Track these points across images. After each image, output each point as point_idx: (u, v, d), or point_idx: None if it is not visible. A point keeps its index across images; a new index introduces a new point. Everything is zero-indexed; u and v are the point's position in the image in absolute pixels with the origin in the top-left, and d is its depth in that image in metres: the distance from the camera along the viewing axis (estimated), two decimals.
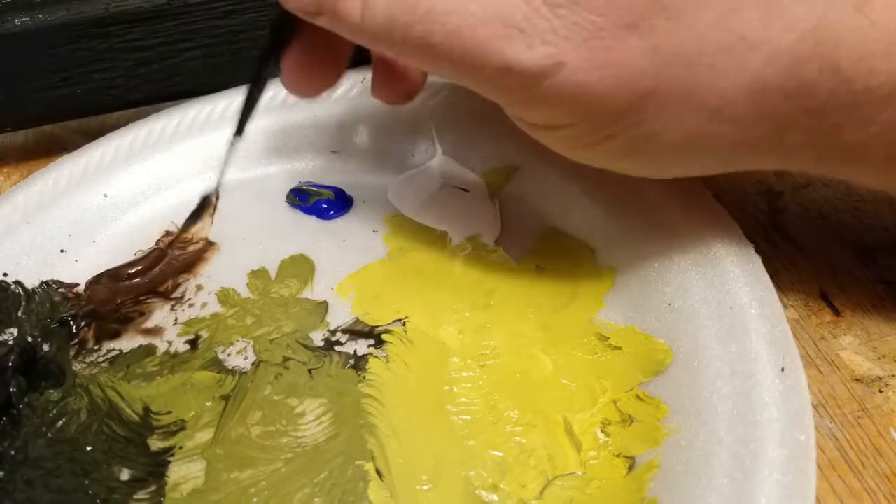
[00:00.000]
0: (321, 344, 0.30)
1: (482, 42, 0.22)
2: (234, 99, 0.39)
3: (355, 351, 0.30)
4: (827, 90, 0.23)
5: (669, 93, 0.23)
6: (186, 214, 0.35)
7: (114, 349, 0.31)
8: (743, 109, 0.23)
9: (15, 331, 0.31)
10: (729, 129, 0.24)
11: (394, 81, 0.32)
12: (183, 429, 0.28)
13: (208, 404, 0.29)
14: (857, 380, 0.28)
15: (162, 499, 0.26)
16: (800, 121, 0.24)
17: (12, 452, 0.28)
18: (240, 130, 0.32)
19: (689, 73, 0.23)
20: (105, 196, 0.36)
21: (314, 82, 0.30)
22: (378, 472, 0.26)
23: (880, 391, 0.27)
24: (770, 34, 0.22)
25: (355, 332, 0.31)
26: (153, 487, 0.27)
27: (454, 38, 0.23)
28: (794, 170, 0.27)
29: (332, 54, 0.29)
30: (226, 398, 0.29)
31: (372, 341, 0.30)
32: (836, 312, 0.30)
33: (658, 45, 0.22)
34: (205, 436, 0.28)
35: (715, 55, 0.22)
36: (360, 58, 0.40)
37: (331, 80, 0.30)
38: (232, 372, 0.30)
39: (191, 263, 0.34)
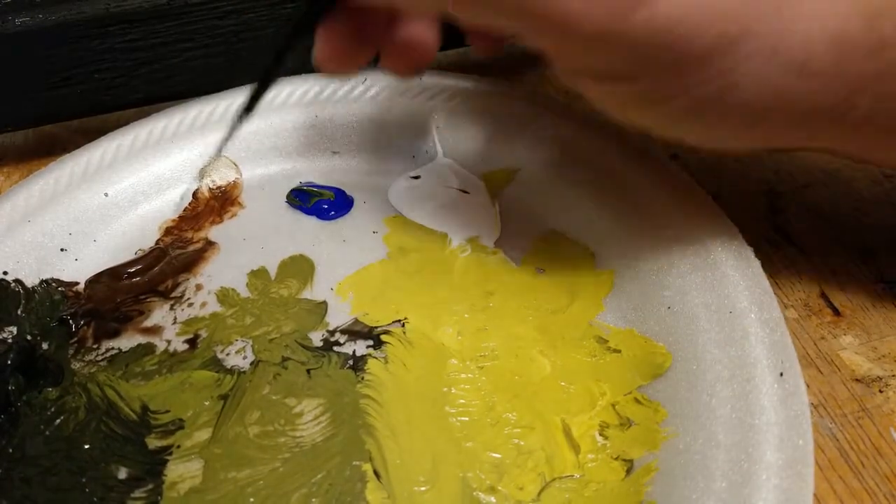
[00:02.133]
0: (320, 344, 0.30)
1: None
2: (234, 99, 0.39)
3: (354, 351, 0.30)
4: None
5: (758, 41, 0.22)
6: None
7: (113, 348, 0.31)
8: (825, 64, 0.23)
9: (14, 329, 0.32)
10: (809, 87, 0.23)
11: (405, 51, 0.30)
12: (181, 428, 0.28)
13: (206, 403, 0.29)
14: (857, 380, 0.28)
15: (159, 498, 0.26)
16: (872, 85, 0.23)
17: (10, 450, 0.28)
18: (250, 107, 0.31)
19: (778, 20, 0.22)
20: (105, 195, 0.36)
21: (346, 60, 0.28)
22: (376, 472, 0.26)
23: (880, 391, 0.27)
24: None
25: (354, 332, 0.31)
26: (150, 486, 0.27)
27: None
28: (849, 151, 0.26)
29: (367, 33, 0.28)
30: (224, 397, 0.29)
31: (371, 342, 0.30)
32: (837, 312, 0.30)
33: None
34: (203, 435, 0.28)
35: (801, 3, 0.22)
36: None
37: (363, 59, 0.28)
38: (230, 371, 0.30)
39: (190, 263, 0.34)
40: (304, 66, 0.39)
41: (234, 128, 0.33)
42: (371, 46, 0.28)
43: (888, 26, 0.22)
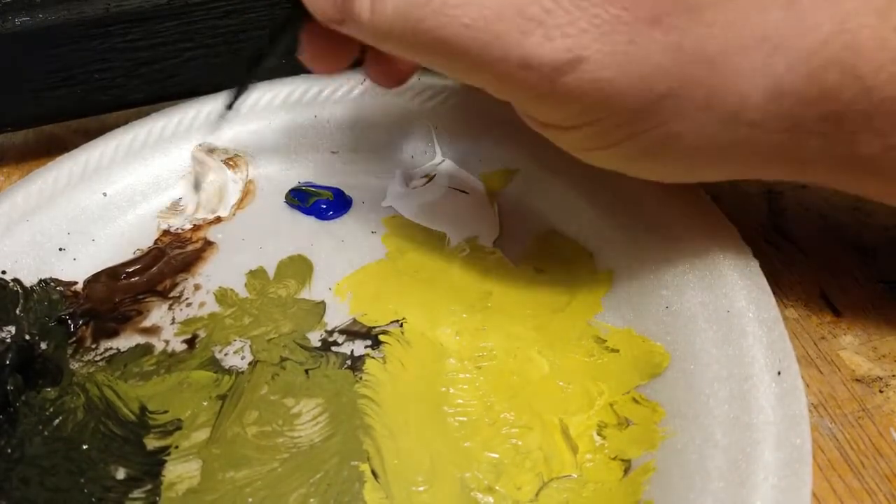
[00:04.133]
0: (318, 344, 0.30)
1: (499, 36, 0.22)
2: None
3: (352, 351, 0.30)
4: (847, 97, 0.22)
5: (690, 93, 0.22)
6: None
7: (111, 348, 0.31)
8: (763, 114, 0.23)
9: (13, 329, 0.32)
10: (748, 135, 0.23)
11: (386, 64, 0.31)
12: (179, 428, 0.28)
13: (205, 404, 0.29)
14: (857, 380, 0.28)
15: (157, 498, 0.26)
16: (818, 128, 0.23)
17: (9, 450, 0.28)
18: (230, 107, 0.32)
19: (711, 74, 0.22)
20: (104, 195, 0.36)
21: (331, 60, 0.29)
22: (374, 472, 0.26)
23: (880, 391, 0.27)
24: (792, 37, 0.22)
25: (352, 332, 0.31)
26: (149, 486, 0.27)
27: (469, 32, 0.22)
28: (809, 182, 0.27)
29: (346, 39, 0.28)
30: (222, 398, 0.29)
31: (369, 342, 0.30)
32: (837, 312, 0.30)
33: (681, 42, 0.22)
34: (201, 435, 0.28)
35: (737, 56, 0.22)
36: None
37: (347, 58, 0.29)
38: (229, 371, 0.30)
39: (189, 263, 0.34)
40: (303, 67, 0.39)
41: (214, 128, 0.34)
42: (354, 45, 0.29)
43: (831, 78, 0.22)
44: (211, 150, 0.38)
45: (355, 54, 0.29)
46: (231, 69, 0.41)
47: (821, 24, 0.22)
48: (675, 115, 0.23)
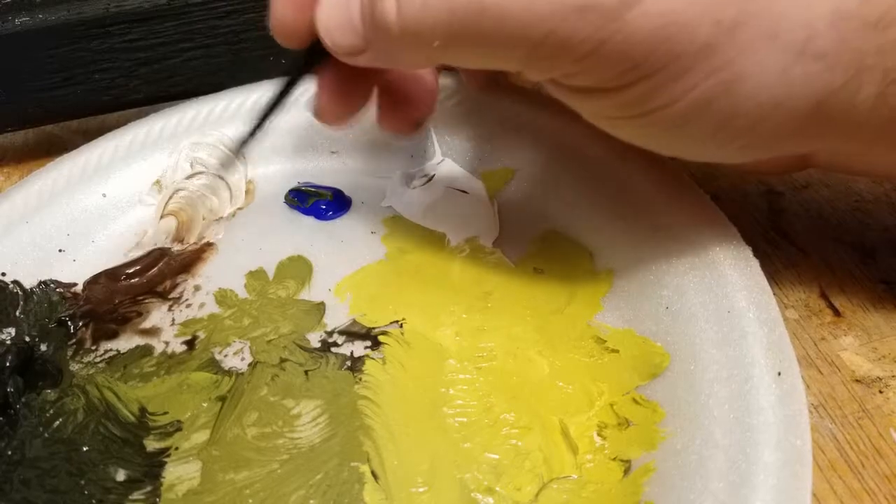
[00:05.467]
0: (318, 345, 0.30)
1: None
2: (233, 99, 0.39)
3: (352, 352, 0.30)
4: None
5: (755, 23, 0.21)
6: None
7: (111, 349, 0.31)
8: (828, 43, 0.22)
9: (13, 330, 0.32)
10: (815, 71, 0.22)
11: (402, 108, 0.31)
12: (179, 429, 0.28)
13: (205, 405, 0.29)
14: (857, 380, 0.28)
15: (157, 499, 0.26)
16: (878, 62, 0.22)
17: (9, 452, 0.28)
18: (240, 149, 0.33)
19: (775, 2, 0.21)
20: (104, 196, 0.36)
21: (343, 110, 0.29)
22: (373, 473, 0.26)
23: (880, 392, 0.27)
24: None
25: (352, 333, 0.31)
26: (149, 488, 0.27)
27: None
28: (856, 153, 0.26)
29: (361, 84, 0.29)
30: (222, 399, 0.29)
31: (369, 343, 0.30)
32: (837, 313, 0.30)
33: None
34: (201, 437, 0.28)
35: None
36: None
37: (357, 106, 0.29)
38: (228, 373, 0.30)
39: (189, 264, 0.34)
40: None
41: (233, 157, 0.34)
42: (367, 88, 0.29)
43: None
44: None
45: (367, 99, 0.30)
46: (231, 69, 0.41)
47: None
48: (744, 49, 0.21)
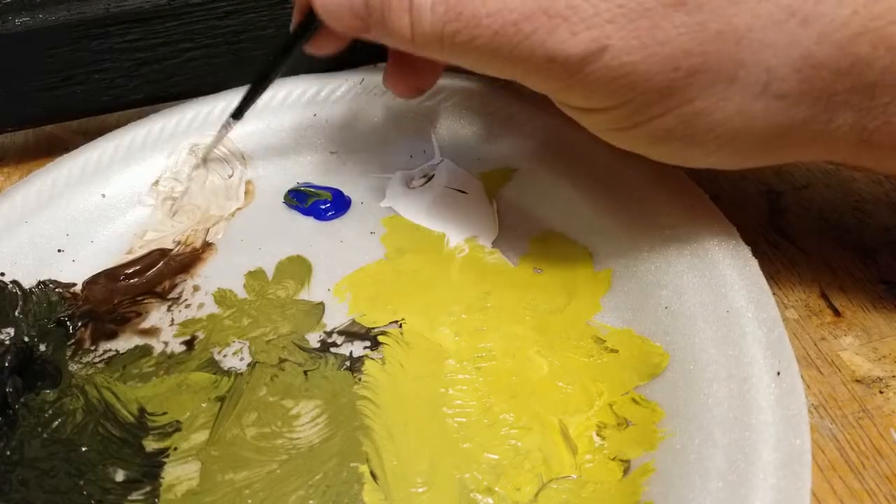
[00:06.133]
0: (317, 345, 0.30)
1: (526, 37, 0.23)
2: (233, 99, 0.39)
3: (351, 352, 0.30)
4: (880, 67, 0.22)
5: (717, 70, 0.23)
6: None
7: (110, 349, 0.31)
8: (792, 86, 0.23)
9: (12, 330, 0.31)
10: (777, 107, 0.23)
11: (408, 76, 0.32)
12: (178, 430, 0.28)
13: (204, 405, 0.29)
14: (857, 381, 0.28)
15: (156, 500, 0.26)
16: (850, 100, 0.23)
17: (8, 452, 0.28)
18: (239, 113, 0.34)
19: (737, 50, 0.22)
20: (103, 196, 0.36)
21: (409, 86, 0.32)
22: (373, 474, 0.26)
23: (881, 392, 0.27)
24: (821, 9, 0.22)
25: (351, 333, 0.31)
26: (148, 488, 0.26)
27: (498, 38, 0.23)
28: (839, 160, 0.26)
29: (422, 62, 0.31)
30: (221, 399, 0.29)
31: (368, 343, 0.30)
32: (837, 313, 0.30)
33: (705, 21, 0.22)
34: (200, 437, 0.28)
35: (765, 30, 0.22)
36: (358, 59, 0.40)
37: (427, 83, 0.33)
38: (228, 373, 0.30)
39: (188, 264, 0.34)
40: (301, 67, 0.39)
41: (221, 135, 0.35)
42: (428, 75, 0.33)
43: (863, 49, 0.22)
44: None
45: (438, 76, 0.33)
46: (231, 69, 0.41)
47: None
48: (701, 91, 0.23)
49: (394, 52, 0.32)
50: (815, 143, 0.25)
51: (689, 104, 0.23)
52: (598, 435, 0.26)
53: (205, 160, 0.38)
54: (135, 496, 0.26)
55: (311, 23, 0.29)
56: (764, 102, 0.23)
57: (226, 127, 0.36)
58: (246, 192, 0.37)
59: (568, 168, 0.34)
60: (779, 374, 0.24)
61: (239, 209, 0.37)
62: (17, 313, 0.32)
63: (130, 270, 0.34)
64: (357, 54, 0.40)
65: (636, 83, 0.23)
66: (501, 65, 0.25)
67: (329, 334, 0.31)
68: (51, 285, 0.33)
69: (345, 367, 0.29)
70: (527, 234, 0.34)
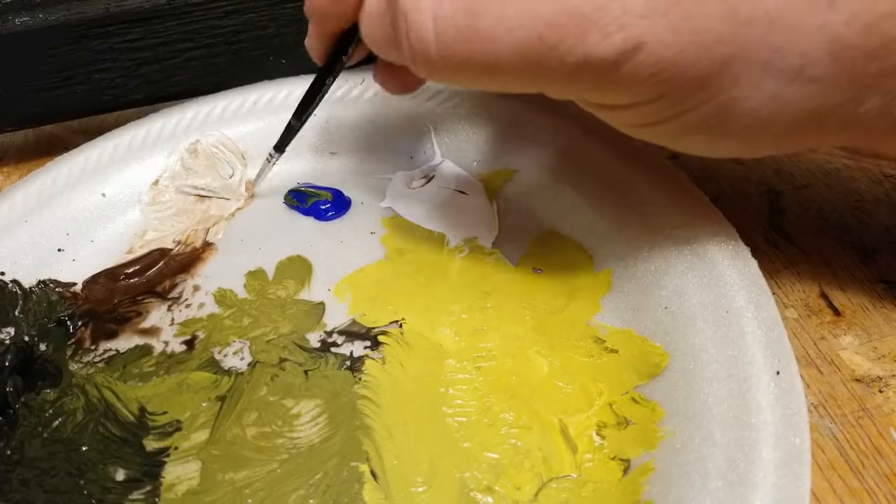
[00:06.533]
0: (317, 345, 0.30)
1: (554, 46, 0.22)
2: (233, 99, 0.39)
3: (351, 352, 0.30)
4: None
5: (750, 57, 0.22)
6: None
7: (110, 349, 0.31)
8: (824, 69, 0.23)
9: (12, 330, 0.32)
10: (810, 92, 0.23)
11: (398, 73, 0.31)
12: (178, 429, 0.28)
13: (204, 405, 0.29)
14: (857, 380, 0.28)
15: (157, 499, 0.26)
16: (879, 83, 0.23)
17: (8, 452, 0.28)
18: (281, 147, 0.35)
19: (770, 34, 0.22)
20: (103, 195, 0.36)
21: (399, 82, 0.31)
22: (373, 473, 0.26)
23: (880, 391, 0.27)
24: None
25: (352, 333, 0.31)
26: (148, 488, 0.26)
27: (523, 50, 0.22)
28: (864, 145, 0.26)
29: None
30: (222, 399, 0.29)
31: (368, 343, 0.30)
32: (837, 312, 0.30)
33: (737, 7, 0.22)
34: (200, 436, 0.28)
35: (795, 13, 0.22)
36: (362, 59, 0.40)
37: (416, 80, 0.31)
38: (228, 373, 0.30)
39: (188, 264, 0.34)
40: (302, 67, 0.39)
41: (265, 168, 0.36)
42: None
43: (892, 28, 0.22)
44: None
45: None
46: (231, 69, 0.41)
47: None
48: (736, 79, 0.23)
49: None
50: (842, 129, 0.25)
51: (724, 93, 0.23)
52: (598, 434, 0.26)
53: (252, 195, 0.38)
54: (135, 495, 0.26)
55: (350, 40, 0.29)
56: (798, 87, 0.23)
57: (269, 160, 0.36)
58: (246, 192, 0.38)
59: (568, 169, 0.34)
60: (778, 373, 0.24)
61: (239, 209, 0.37)
62: (17, 313, 0.32)
63: (130, 270, 0.34)
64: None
65: (672, 77, 0.22)
66: (528, 82, 0.24)
67: (329, 334, 0.31)
68: (51, 285, 0.33)
69: (345, 366, 0.29)
70: (527, 235, 0.34)
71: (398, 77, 0.31)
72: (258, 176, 0.37)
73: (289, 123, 0.34)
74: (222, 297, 0.33)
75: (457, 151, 0.37)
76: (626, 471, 0.25)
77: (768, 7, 0.22)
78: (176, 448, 0.28)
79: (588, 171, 0.33)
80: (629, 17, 0.21)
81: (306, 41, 0.30)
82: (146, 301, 0.33)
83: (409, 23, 0.23)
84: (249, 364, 0.30)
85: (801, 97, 0.23)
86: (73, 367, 0.31)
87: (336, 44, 0.30)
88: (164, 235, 0.36)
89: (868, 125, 0.24)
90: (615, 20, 0.21)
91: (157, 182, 0.37)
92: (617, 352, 0.28)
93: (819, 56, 0.22)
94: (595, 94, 0.25)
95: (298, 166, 0.38)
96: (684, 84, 0.23)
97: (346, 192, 0.37)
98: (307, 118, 0.34)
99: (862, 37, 0.22)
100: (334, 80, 0.32)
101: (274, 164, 0.36)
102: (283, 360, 0.30)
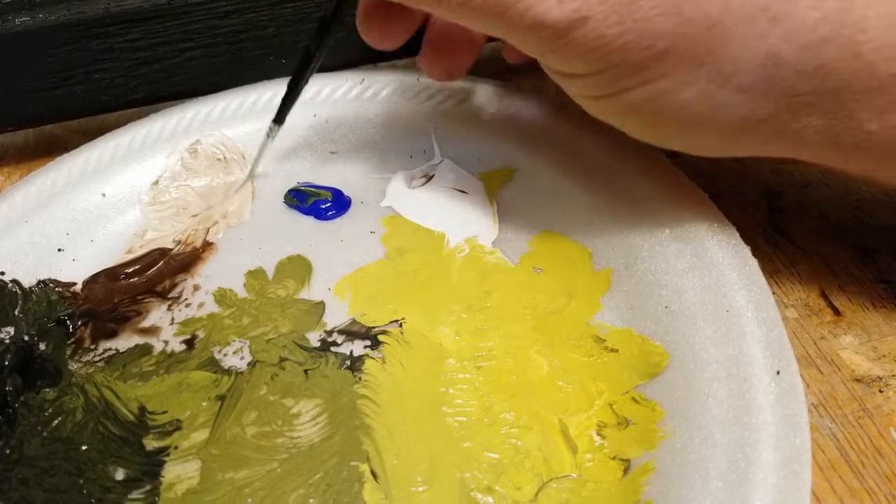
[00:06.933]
0: (317, 344, 0.30)
1: (514, 2, 0.24)
2: (233, 99, 0.39)
3: (351, 352, 0.30)
4: (845, 73, 0.23)
5: (685, 53, 0.24)
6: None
7: (110, 348, 0.31)
8: (754, 80, 0.24)
9: (12, 329, 0.31)
10: (738, 100, 0.24)
11: (443, 59, 0.34)
12: (178, 428, 0.28)
13: (204, 404, 0.29)
14: (857, 380, 0.28)
15: (157, 499, 0.26)
16: (817, 103, 0.24)
17: (8, 451, 0.28)
18: (280, 118, 0.35)
19: (707, 37, 0.23)
20: (103, 195, 0.36)
21: (443, 69, 0.34)
22: (373, 473, 0.26)
23: (880, 391, 0.27)
24: (793, 9, 0.23)
25: (352, 332, 0.31)
26: (148, 487, 0.26)
27: (490, 2, 0.25)
28: (806, 158, 0.27)
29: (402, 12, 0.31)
30: (221, 398, 0.29)
31: (368, 342, 0.30)
32: (837, 312, 0.30)
33: (680, 5, 0.23)
34: (200, 436, 0.28)
35: (735, 22, 0.23)
36: (358, 59, 0.40)
37: (460, 68, 0.34)
38: (228, 372, 0.30)
39: (188, 263, 0.34)
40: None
41: (265, 143, 0.36)
42: (414, 21, 0.32)
43: (829, 54, 0.22)
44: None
45: (413, 31, 0.32)
46: (231, 69, 0.41)
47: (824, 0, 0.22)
48: (669, 71, 0.24)
49: (432, 33, 0.33)
50: (779, 140, 0.26)
51: (657, 82, 0.25)
52: (598, 434, 0.26)
53: (251, 175, 0.38)
54: (135, 495, 0.26)
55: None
56: (727, 92, 0.24)
57: (269, 134, 0.36)
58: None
59: (568, 168, 0.34)
60: (778, 373, 0.24)
61: (239, 209, 0.37)
62: (16, 312, 0.32)
63: (130, 270, 0.34)
64: (357, 54, 0.40)
65: (612, 54, 0.24)
66: (494, 25, 0.26)
67: (329, 333, 0.31)
68: (51, 284, 0.33)
69: (345, 366, 0.29)
70: (527, 234, 0.34)
71: (444, 62, 0.33)
72: (258, 154, 0.37)
73: (288, 89, 0.34)
74: (222, 296, 0.33)
75: (457, 151, 0.37)
76: (626, 471, 0.25)
77: (710, 11, 0.23)
78: (176, 447, 0.28)
79: (588, 171, 0.33)
80: None
81: None
82: (146, 300, 0.33)
83: None
84: (249, 363, 0.30)
85: (729, 102, 0.25)
86: (73, 366, 0.31)
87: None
88: (164, 235, 0.36)
89: (808, 140, 0.25)
90: None
91: (157, 182, 0.37)
92: (617, 351, 0.28)
93: (751, 68, 0.24)
94: (549, 56, 0.26)
95: (298, 166, 0.38)
96: (622, 64, 0.25)
97: (346, 192, 0.37)
98: (308, 79, 0.34)
99: (797, 56, 0.23)
100: (336, 31, 0.32)
101: (273, 138, 0.36)
102: (282, 360, 0.30)
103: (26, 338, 0.31)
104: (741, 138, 0.26)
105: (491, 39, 0.34)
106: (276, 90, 0.39)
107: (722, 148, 0.27)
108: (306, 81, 0.34)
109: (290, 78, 0.34)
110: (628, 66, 0.25)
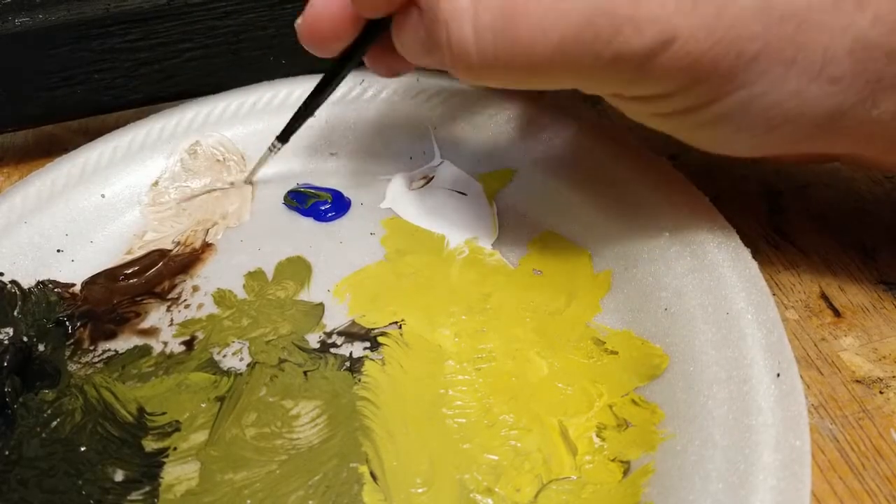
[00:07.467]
0: (317, 346, 0.30)
1: (589, 44, 0.22)
2: (233, 99, 0.39)
3: (351, 353, 0.30)
4: None
5: (777, 54, 0.23)
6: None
7: (109, 349, 0.31)
8: (844, 69, 0.23)
9: (11, 330, 0.31)
10: (829, 91, 0.23)
11: (388, 58, 0.31)
12: (177, 430, 0.28)
13: (203, 405, 0.29)
14: (857, 381, 0.28)
15: (156, 500, 0.26)
16: (894, 86, 0.23)
17: (6, 452, 0.28)
18: (285, 138, 0.35)
19: (797, 32, 0.23)
20: (103, 196, 0.36)
21: (389, 67, 0.31)
22: (372, 474, 0.26)
23: (881, 392, 0.27)
24: None
25: (351, 334, 0.31)
26: (147, 488, 0.26)
27: (561, 47, 0.23)
28: (867, 152, 0.27)
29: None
30: (221, 399, 0.29)
31: (368, 344, 0.30)
32: (837, 313, 0.30)
33: (769, 4, 0.22)
34: (199, 437, 0.28)
35: (822, 13, 0.22)
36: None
37: (406, 65, 0.31)
38: (227, 373, 0.30)
39: (187, 264, 0.34)
40: (302, 68, 0.39)
41: (264, 159, 0.36)
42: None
43: None
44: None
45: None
46: (231, 69, 0.41)
47: None
48: (761, 74, 0.23)
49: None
50: (855, 132, 0.25)
51: (748, 87, 0.23)
52: (597, 436, 0.26)
53: (250, 182, 0.38)
54: (134, 496, 0.26)
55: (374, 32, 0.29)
56: (818, 86, 0.23)
57: (271, 149, 0.36)
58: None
59: (568, 170, 0.34)
60: (779, 375, 0.24)
61: (239, 210, 0.37)
62: (16, 313, 0.32)
63: (130, 271, 0.34)
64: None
65: (701, 69, 0.23)
66: (561, 76, 0.24)
67: (329, 335, 0.31)
68: (50, 285, 0.33)
69: (345, 367, 0.29)
70: (526, 236, 0.34)
71: (388, 60, 0.31)
72: (257, 164, 0.37)
73: (296, 114, 0.34)
74: (221, 297, 0.33)
75: (457, 152, 0.37)
76: (625, 473, 0.25)
77: (798, 5, 0.22)
78: (175, 448, 0.27)
79: (588, 172, 0.33)
80: (662, 10, 0.22)
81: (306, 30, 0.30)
82: (145, 302, 0.33)
83: (449, 32, 0.24)
84: (248, 365, 0.30)
85: (820, 96, 0.24)
86: (72, 367, 0.31)
87: (357, 39, 0.30)
88: (164, 236, 0.36)
89: (882, 127, 0.25)
90: (648, 14, 0.22)
91: (156, 183, 0.37)
92: (617, 353, 0.28)
93: (840, 56, 0.23)
94: (626, 86, 0.25)
95: (298, 167, 0.38)
96: (712, 76, 0.23)
97: (345, 193, 0.37)
98: (316, 108, 0.34)
99: (886, 37, 0.23)
100: (348, 73, 0.32)
101: (275, 154, 0.36)
102: (282, 361, 0.30)
103: (25, 339, 0.31)
104: (820, 134, 0.25)
105: None
106: (275, 91, 0.39)
107: (793, 146, 0.26)
108: (318, 106, 0.34)
109: (302, 101, 0.34)
110: (717, 78, 0.23)
